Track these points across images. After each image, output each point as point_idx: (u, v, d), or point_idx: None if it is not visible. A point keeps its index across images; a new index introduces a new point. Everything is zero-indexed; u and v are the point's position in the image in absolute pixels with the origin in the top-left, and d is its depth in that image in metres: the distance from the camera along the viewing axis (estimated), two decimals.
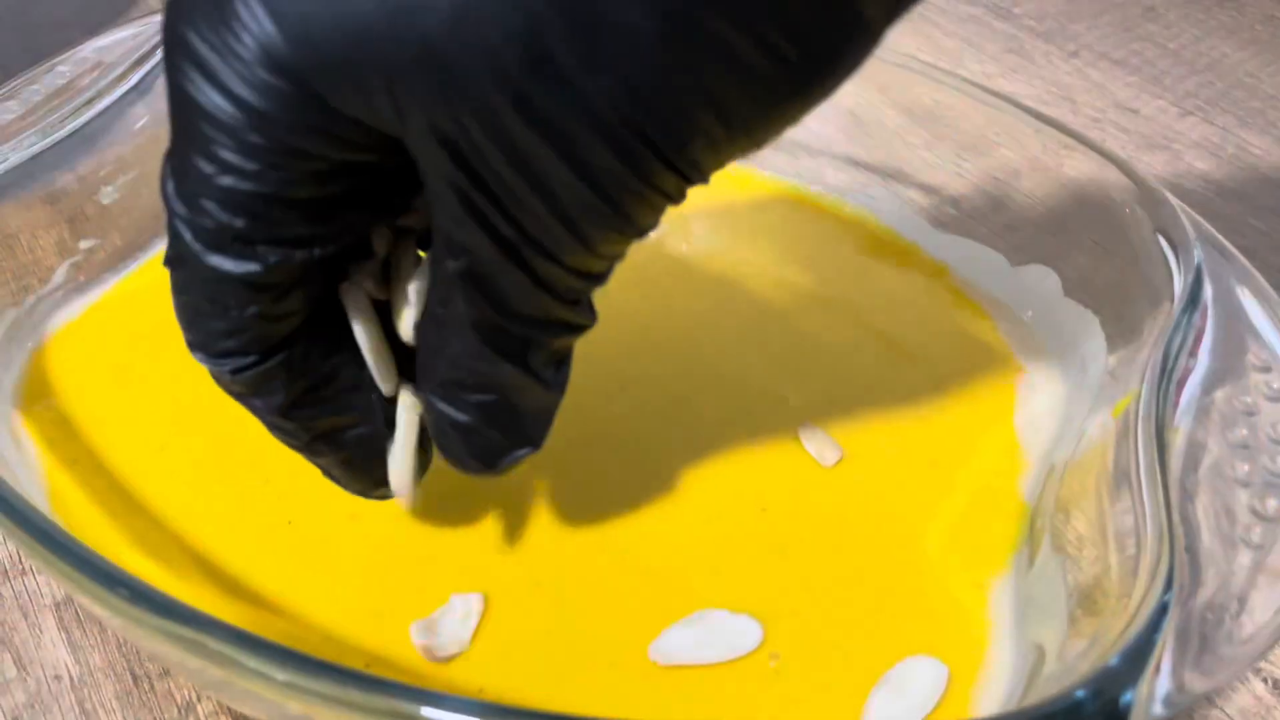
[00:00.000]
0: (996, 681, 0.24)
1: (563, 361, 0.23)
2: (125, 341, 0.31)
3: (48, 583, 0.28)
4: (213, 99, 0.19)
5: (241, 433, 0.28)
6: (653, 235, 0.36)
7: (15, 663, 0.27)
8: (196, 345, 0.22)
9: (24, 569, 0.29)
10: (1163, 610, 0.20)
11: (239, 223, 0.20)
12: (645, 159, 0.19)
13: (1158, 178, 0.32)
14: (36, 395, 0.29)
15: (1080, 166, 0.34)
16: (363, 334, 0.23)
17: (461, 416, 0.22)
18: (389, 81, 0.18)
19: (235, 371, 0.22)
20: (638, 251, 0.36)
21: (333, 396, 0.23)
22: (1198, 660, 0.20)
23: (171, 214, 0.20)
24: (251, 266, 0.20)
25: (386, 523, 0.27)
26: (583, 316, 0.22)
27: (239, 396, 0.23)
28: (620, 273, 0.34)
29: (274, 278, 0.20)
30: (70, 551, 0.20)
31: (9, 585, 0.28)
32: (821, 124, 0.40)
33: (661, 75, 0.18)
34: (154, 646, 0.22)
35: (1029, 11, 0.56)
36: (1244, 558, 0.23)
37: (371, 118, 0.19)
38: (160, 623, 0.18)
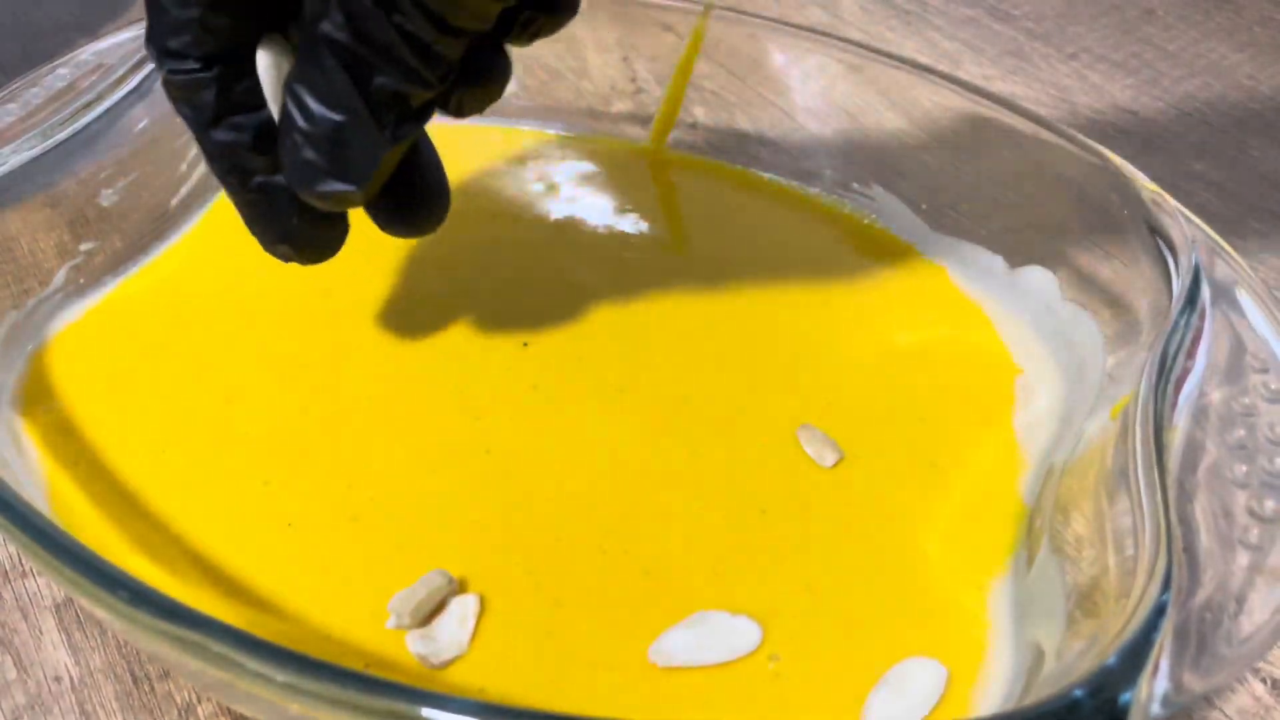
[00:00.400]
0: (995, 682, 0.24)
1: (408, 118, 0.25)
2: (126, 344, 0.31)
3: (48, 584, 0.28)
4: None
5: (241, 435, 0.29)
6: (651, 237, 0.37)
7: (15, 664, 0.27)
8: (150, 39, 0.25)
9: (24, 571, 0.29)
10: (1160, 610, 0.20)
11: None
12: None
13: (1156, 179, 0.32)
14: (37, 398, 0.29)
15: (1078, 168, 0.34)
16: (263, 59, 0.25)
17: (300, 120, 0.24)
18: None
19: (173, 72, 0.25)
20: (636, 253, 0.36)
21: (252, 131, 0.26)
22: (1196, 660, 0.20)
23: None
24: None
25: (386, 524, 0.27)
26: (427, 69, 0.24)
27: (174, 101, 0.26)
28: (618, 273, 0.35)
29: None
30: (70, 553, 0.20)
31: (9, 587, 0.28)
32: (820, 125, 0.40)
33: None
34: (154, 648, 0.22)
35: (1028, 14, 0.56)
36: (1242, 558, 0.23)
37: None
38: (160, 624, 0.18)
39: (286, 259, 0.28)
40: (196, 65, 0.25)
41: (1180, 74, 0.52)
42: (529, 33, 0.27)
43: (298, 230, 0.27)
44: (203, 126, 0.26)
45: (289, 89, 0.25)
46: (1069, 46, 0.54)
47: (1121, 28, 0.55)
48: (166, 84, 0.26)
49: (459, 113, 0.28)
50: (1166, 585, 0.20)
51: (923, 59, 0.47)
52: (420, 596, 0.24)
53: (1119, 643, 0.20)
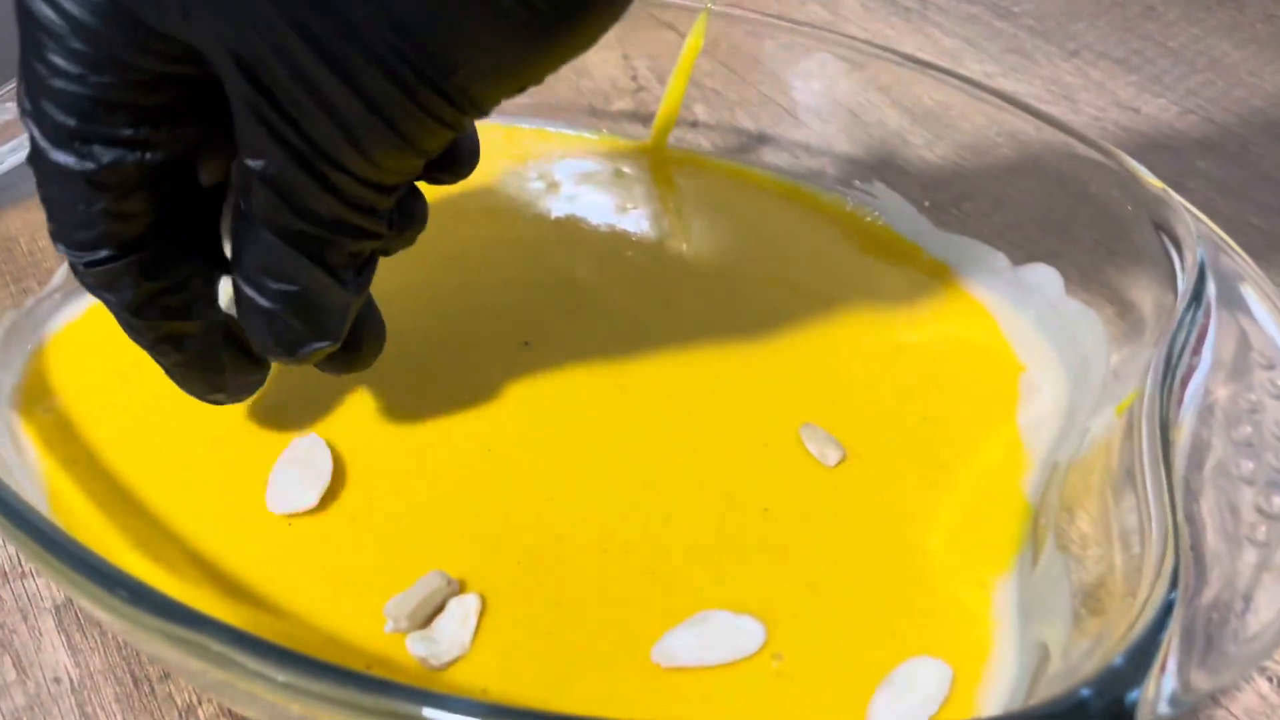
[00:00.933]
0: (1001, 681, 0.24)
1: (365, 265, 0.25)
2: (125, 343, 0.30)
3: (47, 585, 0.28)
4: (44, 9, 0.21)
5: (240, 434, 0.28)
6: (652, 235, 0.36)
7: (15, 665, 0.26)
8: (56, 236, 0.24)
9: (23, 571, 0.28)
10: (1168, 609, 0.20)
11: (71, 122, 0.22)
12: (415, 85, 0.21)
13: (1159, 177, 0.32)
14: (36, 397, 0.29)
15: (1082, 165, 0.34)
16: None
17: (264, 302, 0.24)
18: (181, 1, 0.20)
19: (88, 265, 0.24)
20: (637, 251, 0.36)
21: (180, 304, 0.25)
22: (1203, 659, 0.20)
23: (22, 112, 0.23)
24: (89, 165, 0.22)
25: (386, 524, 0.27)
26: (374, 224, 0.24)
27: (92, 289, 0.24)
28: (619, 272, 0.35)
29: (112, 177, 0.22)
30: (70, 553, 0.20)
31: (8, 588, 0.28)
32: (822, 123, 0.40)
33: (424, 9, 0.20)
34: (154, 648, 0.22)
35: (1029, 11, 0.56)
36: (1249, 556, 0.23)
37: (176, 32, 0.21)
38: (161, 624, 0.18)
39: (218, 403, 0.27)
40: (112, 254, 0.23)
41: (1182, 71, 0.52)
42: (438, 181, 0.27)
43: (230, 380, 0.27)
44: (129, 309, 0.24)
45: (241, 278, 0.24)
46: (1070, 44, 0.54)
47: (1123, 25, 0.55)
48: (79, 275, 0.24)
49: (385, 254, 0.27)
50: (1173, 583, 0.20)
51: (924, 56, 0.47)
52: (417, 600, 0.24)
53: (1126, 641, 0.19)
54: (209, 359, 0.26)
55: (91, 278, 0.24)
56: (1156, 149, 0.46)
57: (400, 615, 0.24)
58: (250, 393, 0.28)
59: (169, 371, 0.26)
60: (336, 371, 0.28)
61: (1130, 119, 0.48)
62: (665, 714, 0.23)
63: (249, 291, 0.24)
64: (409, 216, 0.26)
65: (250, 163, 0.22)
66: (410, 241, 0.27)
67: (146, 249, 0.24)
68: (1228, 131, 0.48)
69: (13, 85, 0.33)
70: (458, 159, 0.27)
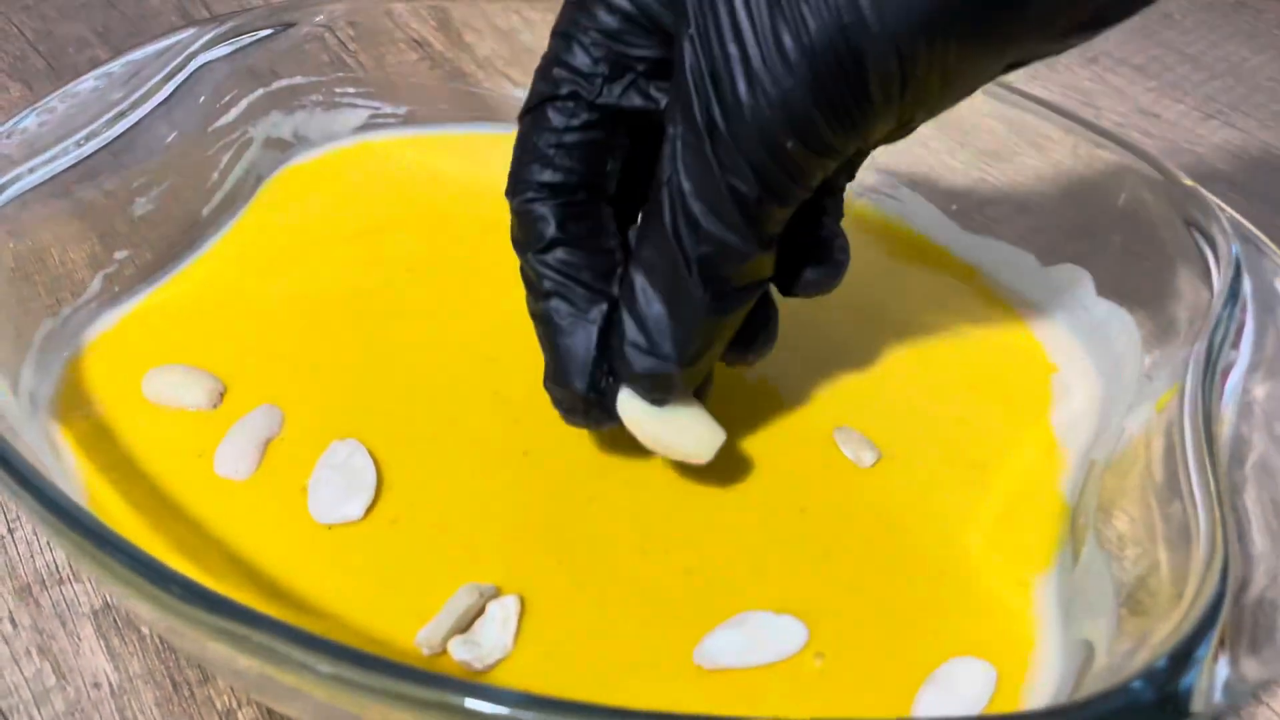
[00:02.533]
0: (1045, 679, 0.24)
1: (725, 292, 0.25)
2: (160, 351, 0.31)
3: (86, 591, 0.28)
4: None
5: (280, 439, 0.28)
6: None
7: (54, 671, 0.26)
8: (516, 180, 0.27)
9: (61, 578, 0.28)
10: (1220, 599, 0.20)
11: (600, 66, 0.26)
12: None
13: None
14: (74, 404, 0.29)
15: (1109, 166, 0.34)
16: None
17: (630, 298, 0.26)
18: None
19: (527, 202, 0.26)
20: None
21: (584, 262, 0.26)
22: (1255, 649, 0.20)
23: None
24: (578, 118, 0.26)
25: (426, 526, 0.27)
26: (765, 233, 0.25)
27: (519, 241, 0.27)
28: None
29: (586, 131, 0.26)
30: (124, 551, 0.20)
31: (46, 594, 0.28)
32: None
33: None
34: (202, 647, 0.22)
35: None
36: None
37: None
38: (216, 620, 0.18)
39: (574, 422, 0.27)
40: (549, 191, 0.26)
41: (1201, 77, 0.52)
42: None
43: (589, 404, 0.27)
44: (543, 245, 0.26)
45: (627, 271, 0.26)
46: (1088, 50, 0.54)
47: (1141, 32, 0.55)
48: (515, 225, 0.27)
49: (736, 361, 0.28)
50: (1224, 574, 0.20)
51: None
52: (450, 623, 0.24)
53: (1181, 631, 0.19)
54: (581, 353, 0.26)
55: (522, 219, 0.26)
56: (1178, 153, 0.46)
57: (435, 642, 0.24)
58: (610, 423, 0.27)
59: (548, 365, 0.27)
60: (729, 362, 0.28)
61: (1152, 124, 0.48)
62: (709, 713, 0.23)
63: (628, 284, 0.26)
64: (825, 253, 0.28)
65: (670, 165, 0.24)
66: (819, 289, 0.29)
67: (576, 194, 0.26)
68: (1249, 135, 0.48)
69: (44, 98, 0.33)
70: (824, 269, 0.28)
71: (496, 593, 0.25)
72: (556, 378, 0.27)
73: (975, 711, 0.23)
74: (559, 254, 0.26)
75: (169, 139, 0.35)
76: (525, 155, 0.26)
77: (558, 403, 0.27)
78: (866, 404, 0.31)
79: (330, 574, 0.25)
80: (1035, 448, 0.30)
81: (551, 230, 0.26)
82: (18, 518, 0.30)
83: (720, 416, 0.30)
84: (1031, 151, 0.36)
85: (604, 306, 0.26)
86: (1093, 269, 0.34)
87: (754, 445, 0.29)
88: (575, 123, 0.26)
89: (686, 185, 0.24)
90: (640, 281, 0.25)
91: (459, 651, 0.24)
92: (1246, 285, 0.27)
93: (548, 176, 0.26)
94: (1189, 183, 0.31)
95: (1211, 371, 0.25)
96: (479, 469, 0.28)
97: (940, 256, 0.36)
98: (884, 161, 0.38)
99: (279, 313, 0.32)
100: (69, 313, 0.31)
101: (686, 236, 0.24)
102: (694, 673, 0.24)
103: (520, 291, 0.34)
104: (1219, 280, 0.28)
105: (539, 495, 0.27)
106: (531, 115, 0.26)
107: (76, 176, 0.32)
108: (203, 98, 0.36)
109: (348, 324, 0.32)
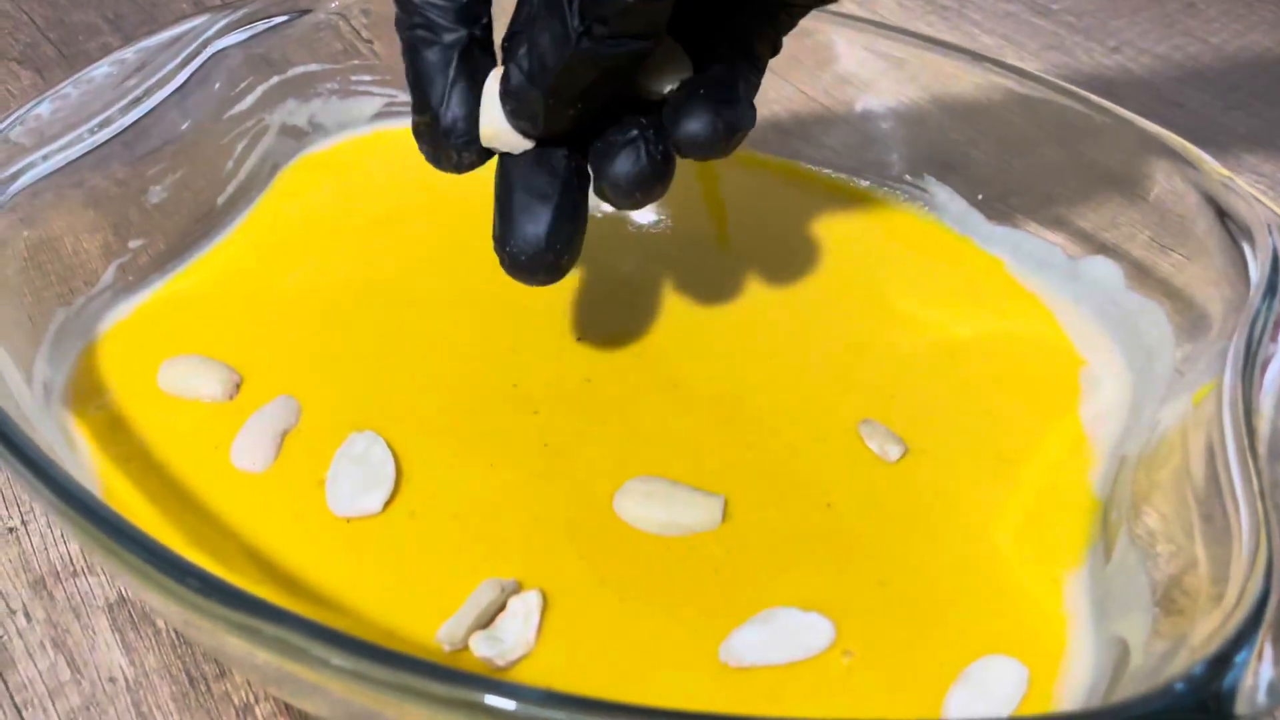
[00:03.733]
0: (1078, 677, 0.24)
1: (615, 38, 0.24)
2: (175, 340, 0.30)
3: (100, 584, 0.28)
4: None
5: (295, 430, 0.28)
6: (702, 232, 0.36)
7: (69, 665, 0.26)
8: None
9: (75, 570, 0.28)
10: (1264, 597, 0.19)
11: None
12: None
13: None
14: (88, 395, 0.29)
15: (1138, 155, 0.33)
16: None
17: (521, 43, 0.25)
18: None
19: None
20: (686, 248, 0.35)
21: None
22: None
23: None
24: None
25: (445, 519, 0.26)
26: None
27: None
28: (669, 269, 0.34)
29: None
30: (143, 545, 0.19)
31: (60, 587, 0.28)
32: (868, 117, 0.39)
33: None
34: (221, 642, 0.21)
35: (1068, 8, 0.55)
36: None
37: None
38: (238, 616, 0.18)
39: (439, 158, 0.27)
40: None
41: (1225, 67, 0.51)
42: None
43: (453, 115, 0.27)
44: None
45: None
46: (1111, 40, 0.53)
47: (1163, 21, 0.55)
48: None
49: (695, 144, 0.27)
50: (1269, 573, 0.20)
51: None
52: (470, 619, 0.24)
53: (1224, 631, 0.19)
54: (440, 79, 0.26)
55: None
56: (1203, 144, 0.45)
57: (456, 638, 0.23)
58: (470, 156, 0.27)
59: (413, 99, 0.27)
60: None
61: (1175, 114, 0.47)
62: (736, 711, 0.23)
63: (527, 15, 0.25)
64: (629, 144, 0.26)
65: None
66: (629, 187, 0.27)
67: None
68: (1274, 126, 0.47)
69: (57, 86, 0.33)
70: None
71: (518, 588, 0.25)
72: (418, 104, 0.27)
73: (1007, 712, 0.23)
74: None
75: (183, 127, 0.35)
76: None
77: (419, 135, 0.27)
78: (892, 397, 0.30)
79: (349, 568, 0.25)
80: (1064, 442, 0.29)
81: None
82: (31, 510, 0.30)
83: (741, 407, 0.30)
84: (1057, 141, 0.36)
85: (462, 33, 0.27)
86: (1122, 261, 0.33)
87: (776, 439, 0.29)
88: None
89: None
90: (532, 13, 0.25)
91: (480, 648, 0.23)
92: None
93: None
94: (1224, 173, 0.30)
95: (1251, 365, 0.25)
96: (498, 461, 0.28)
97: (965, 248, 0.36)
98: (908, 152, 0.38)
99: (295, 302, 0.32)
100: (83, 302, 0.31)
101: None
102: (719, 670, 0.24)
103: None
104: (1256, 272, 0.27)
105: (560, 488, 0.27)
106: None
107: (90, 164, 0.32)
108: (217, 85, 0.35)
109: (365, 314, 0.32)
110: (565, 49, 0.25)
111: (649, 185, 0.27)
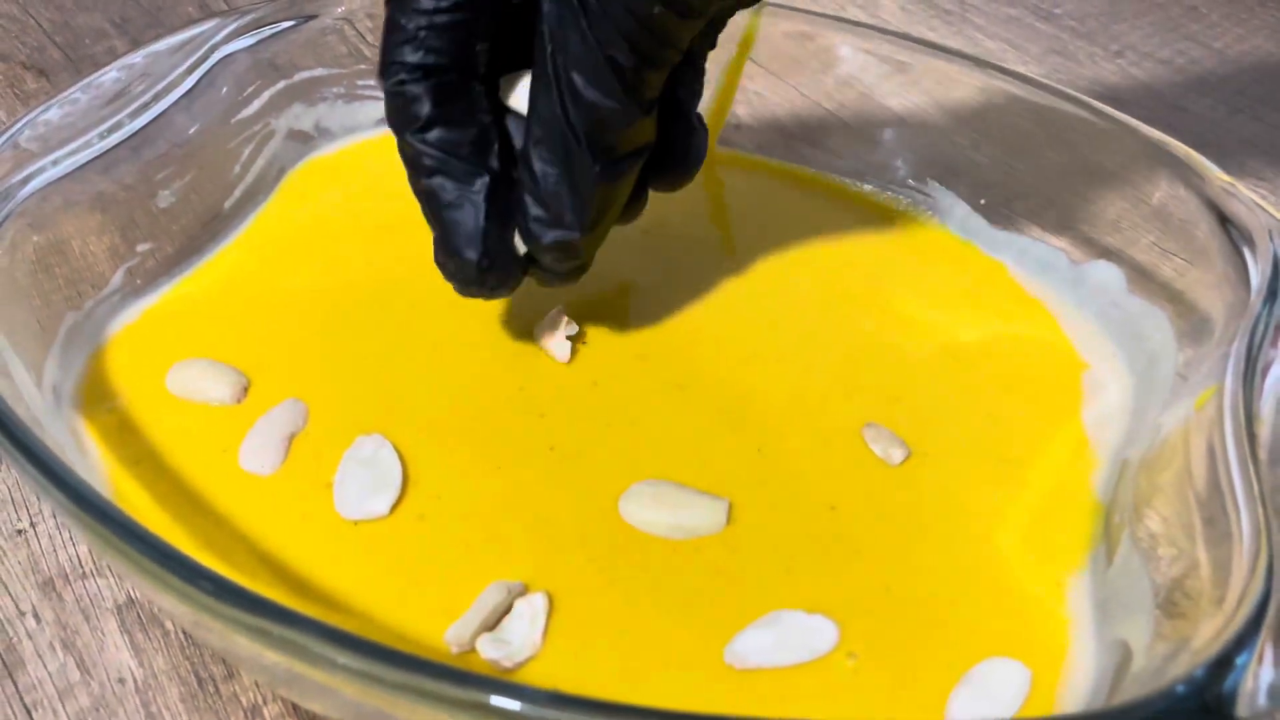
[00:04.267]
0: (1080, 680, 0.24)
1: (613, 160, 0.27)
2: (183, 343, 0.31)
3: (109, 585, 0.28)
4: None
5: (303, 433, 0.28)
6: (705, 236, 0.36)
7: (78, 666, 0.26)
8: (385, 62, 0.27)
9: (84, 572, 0.28)
10: (1264, 601, 0.20)
11: None
12: None
13: None
14: (98, 398, 0.29)
15: (1143, 160, 0.33)
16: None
17: (532, 175, 0.27)
18: None
19: (398, 84, 0.27)
20: (690, 252, 0.35)
21: (462, 139, 0.27)
22: None
23: None
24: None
25: (452, 522, 0.26)
26: (643, 100, 0.26)
27: (394, 119, 0.27)
28: (673, 273, 0.34)
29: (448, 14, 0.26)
30: (154, 546, 0.19)
31: (70, 589, 0.28)
32: (870, 122, 0.39)
33: None
34: (230, 643, 0.21)
35: (1070, 12, 0.56)
36: None
37: None
38: (249, 617, 0.18)
39: (472, 294, 0.29)
40: (421, 73, 0.27)
41: (1227, 71, 0.51)
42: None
43: (488, 272, 0.28)
44: (420, 126, 0.27)
45: (524, 149, 0.27)
46: (1113, 44, 0.53)
47: (1166, 26, 0.55)
48: (389, 110, 0.27)
49: (662, 186, 0.30)
50: (1269, 576, 0.20)
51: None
52: (478, 621, 0.24)
53: (1225, 634, 0.19)
54: (470, 223, 0.27)
55: (396, 100, 0.27)
56: (1205, 149, 0.45)
57: (464, 640, 0.24)
58: (506, 287, 0.29)
59: (437, 240, 0.28)
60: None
61: (1178, 118, 0.48)
62: (741, 713, 0.23)
63: (525, 163, 0.27)
64: (684, 147, 0.29)
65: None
66: (681, 179, 0.30)
67: (448, 74, 0.27)
68: (1276, 131, 0.47)
69: (65, 90, 0.33)
70: (684, 159, 0.29)
71: (524, 590, 0.25)
72: (447, 249, 0.28)
73: (1010, 714, 0.23)
74: (437, 132, 0.27)
75: (190, 131, 0.35)
76: (395, 37, 0.27)
77: (450, 274, 0.28)
78: (896, 401, 0.30)
79: (357, 570, 0.25)
80: (1066, 446, 0.29)
81: (427, 109, 0.27)
82: (40, 511, 0.30)
83: (745, 411, 0.30)
84: (1060, 146, 0.36)
85: (485, 178, 0.27)
86: (1125, 266, 0.33)
87: (781, 443, 0.29)
88: (444, 4, 0.26)
89: (567, 60, 0.25)
90: (536, 158, 0.27)
91: (487, 649, 0.24)
92: None
93: (419, 58, 0.27)
94: (1226, 179, 0.31)
95: (1252, 370, 0.25)
96: (505, 465, 0.28)
97: (969, 252, 0.36)
98: (911, 157, 0.38)
99: (303, 306, 0.32)
100: (92, 306, 0.31)
101: (572, 109, 0.26)
102: (725, 672, 0.24)
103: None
104: (1256, 277, 0.27)
105: (566, 491, 0.27)
106: None
107: (98, 169, 0.32)
108: (224, 90, 0.36)
109: (372, 317, 0.32)
110: (590, 187, 0.27)
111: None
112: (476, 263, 0.28)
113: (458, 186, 0.27)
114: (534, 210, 0.27)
